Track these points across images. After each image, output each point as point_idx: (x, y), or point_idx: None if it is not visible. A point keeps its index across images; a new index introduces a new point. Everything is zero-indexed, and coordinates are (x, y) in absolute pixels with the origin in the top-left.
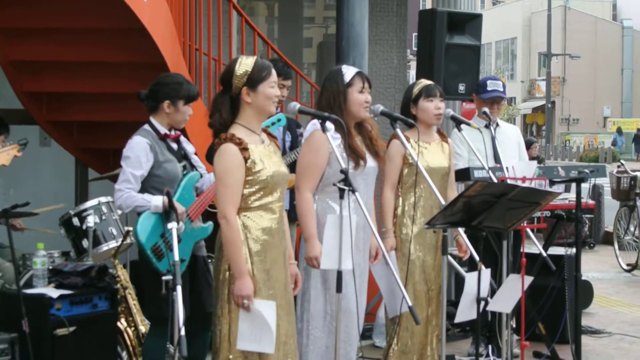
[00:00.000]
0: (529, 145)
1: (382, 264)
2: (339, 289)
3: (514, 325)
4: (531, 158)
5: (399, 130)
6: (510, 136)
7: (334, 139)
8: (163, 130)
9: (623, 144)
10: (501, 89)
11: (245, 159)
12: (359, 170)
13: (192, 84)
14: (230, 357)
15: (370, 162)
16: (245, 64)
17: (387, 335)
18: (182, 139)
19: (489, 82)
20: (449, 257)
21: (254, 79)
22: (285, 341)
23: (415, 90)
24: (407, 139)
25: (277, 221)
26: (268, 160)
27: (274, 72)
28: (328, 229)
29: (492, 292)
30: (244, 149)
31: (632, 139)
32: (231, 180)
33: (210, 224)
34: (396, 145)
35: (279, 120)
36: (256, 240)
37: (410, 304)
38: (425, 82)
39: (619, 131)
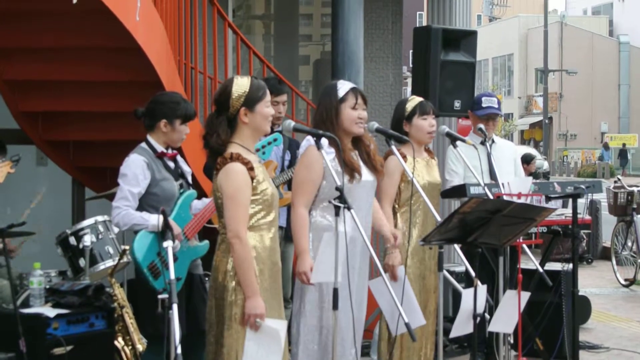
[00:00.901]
0: (529, 160)
1: (381, 281)
2: (335, 306)
3: (512, 341)
4: (530, 174)
5: (394, 148)
6: (506, 152)
7: (328, 154)
8: (160, 148)
9: (610, 159)
10: (496, 106)
11: (252, 178)
12: (354, 182)
13: (190, 103)
14: None
15: (368, 176)
16: (241, 85)
17: (380, 354)
18: (179, 158)
19: (483, 98)
20: (446, 272)
21: (252, 99)
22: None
23: (409, 107)
24: (403, 156)
25: (274, 240)
26: (268, 179)
27: (267, 91)
28: (323, 245)
29: (489, 308)
30: (250, 168)
31: (618, 154)
32: (242, 199)
33: (206, 242)
34: (395, 160)
35: (275, 140)
36: (259, 259)
37: (406, 320)
38: (417, 99)
39: (606, 146)
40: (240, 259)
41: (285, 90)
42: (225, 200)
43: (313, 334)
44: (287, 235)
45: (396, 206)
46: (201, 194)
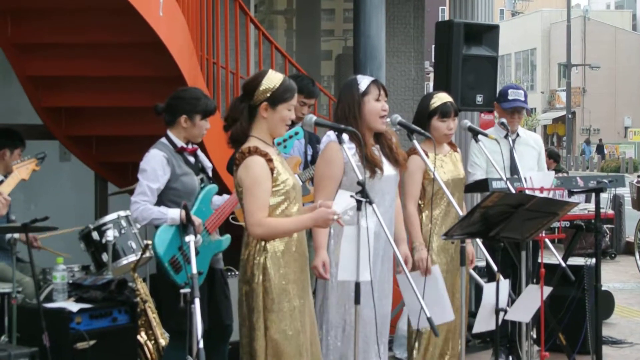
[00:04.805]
0: (554, 156)
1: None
2: (357, 300)
3: (534, 336)
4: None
5: (417, 144)
6: (530, 147)
7: (349, 149)
8: (180, 143)
9: (591, 153)
10: (522, 99)
11: (272, 170)
12: (376, 178)
13: (210, 99)
14: None
15: (390, 170)
16: (272, 80)
17: (409, 347)
18: (200, 153)
19: (510, 91)
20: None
21: (276, 98)
22: (312, 349)
23: (432, 105)
24: (425, 153)
25: (299, 232)
26: (288, 171)
27: (296, 96)
28: (345, 241)
29: (512, 303)
30: (269, 160)
31: (596, 148)
32: (261, 191)
33: (227, 236)
34: (416, 160)
35: (296, 133)
36: (284, 252)
37: (428, 315)
38: (442, 98)
39: (587, 142)
40: (276, 234)
41: (316, 95)
42: (244, 192)
43: (336, 329)
44: (309, 230)
45: (421, 204)
46: (222, 190)
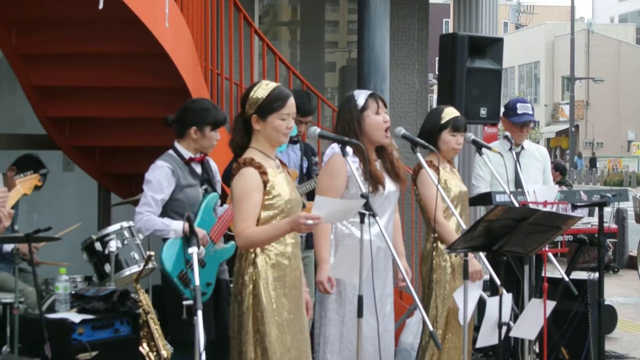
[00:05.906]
0: (560, 168)
1: None
2: (359, 313)
3: (537, 350)
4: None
5: (420, 157)
6: (535, 160)
7: (353, 162)
8: (188, 155)
9: (583, 166)
10: (531, 112)
11: (265, 183)
12: (377, 194)
13: (220, 110)
14: None
15: (391, 186)
16: (261, 91)
17: None
18: (213, 165)
19: (519, 105)
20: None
21: (265, 109)
22: None
23: (443, 119)
24: (436, 169)
25: (293, 246)
26: (283, 185)
27: (289, 103)
28: (345, 248)
29: (515, 317)
30: (263, 172)
31: (589, 161)
32: (247, 203)
33: (232, 243)
34: (428, 172)
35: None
36: (274, 265)
37: (431, 329)
38: (451, 112)
39: (579, 155)
40: (255, 243)
41: (311, 112)
42: (234, 202)
43: (334, 343)
44: (307, 242)
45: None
46: (225, 199)
